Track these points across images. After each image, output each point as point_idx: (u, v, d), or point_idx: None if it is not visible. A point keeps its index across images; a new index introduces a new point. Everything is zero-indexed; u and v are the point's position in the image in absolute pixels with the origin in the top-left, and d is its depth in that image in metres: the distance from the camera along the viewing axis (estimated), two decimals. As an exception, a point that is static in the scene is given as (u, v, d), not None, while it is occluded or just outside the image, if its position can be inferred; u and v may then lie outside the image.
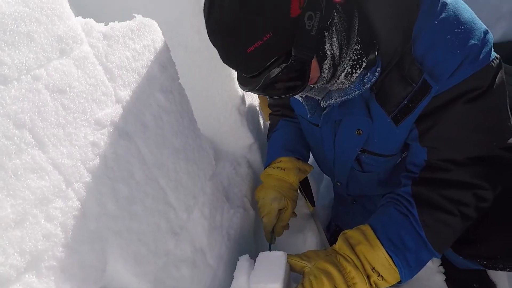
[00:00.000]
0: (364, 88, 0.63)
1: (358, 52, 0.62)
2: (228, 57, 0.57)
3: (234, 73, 0.86)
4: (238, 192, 0.82)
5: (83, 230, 0.36)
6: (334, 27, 0.58)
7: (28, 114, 0.30)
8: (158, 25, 0.53)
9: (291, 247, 1.08)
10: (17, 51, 0.28)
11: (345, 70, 0.62)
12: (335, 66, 0.61)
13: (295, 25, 0.53)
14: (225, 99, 0.85)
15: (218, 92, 0.83)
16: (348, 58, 0.61)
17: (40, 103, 0.31)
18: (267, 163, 0.90)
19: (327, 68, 0.60)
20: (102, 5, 0.69)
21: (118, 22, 0.42)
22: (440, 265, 1.10)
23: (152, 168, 0.48)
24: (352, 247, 0.65)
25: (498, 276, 1.03)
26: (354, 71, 0.62)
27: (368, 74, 0.62)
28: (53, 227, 0.33)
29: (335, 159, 0.86)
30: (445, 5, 0.58)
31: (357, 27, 0.61)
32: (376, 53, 0.61)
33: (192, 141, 0.60)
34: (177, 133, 0.55)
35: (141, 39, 0.46)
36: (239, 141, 0.94)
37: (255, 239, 0.90)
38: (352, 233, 0.67)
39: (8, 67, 0.28)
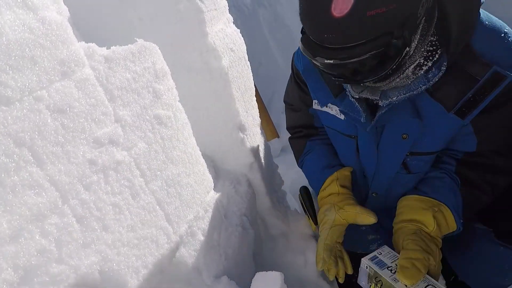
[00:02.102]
0: (430, 83, 0.61)
1: (433, 43, 0.60)
2: (341, 18, 0.51)
3: (236, 94, 0.88)
4: (237, 211, 0.82)
5: (78, 246, 0.37)
6: (425, 17, 0.57)
7: (28, 133, 0.31)
8: (162, 48, 0.56)
9: (290, 269, 1.06)
10: (20, 74, 0.30)
11: (416, 62, 0.59)
12: (405, 58, 0.58)
13: (414, 6, 0.52)
14: (226, 118, 0.87)
15: (219, 112, 0.85)
16: (422, 49, 0.60)
17: (41, 123, 0.32)
18: (317, 190, 0.90)
19: (395, 61, 0.57)
20: (106, 29, 0.73)
21: (121, 46, 0.45)
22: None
23: (150, 184, 0.49)
24: (440, 229, 0.72)
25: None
26: (425, 63, 0.60)
27: (434, 69, 0.60)
28: (47, 243, 0.34)
29: (378, 169, 0.84)
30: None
31: (436, 18, 0.60)
32: (445, 48, 0.60)
33: (190, 160, 0.61)
34: (176, 152, 0.56)
35: (142, 61, 0.48)
36: (240, 159, 0.94)
37: (254, 259, 0.89)
38: (439, 216, 0.73)
39: (12, 89, 0.30)
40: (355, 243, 1.06)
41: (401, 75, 0.61)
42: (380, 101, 0.67)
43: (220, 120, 0.86)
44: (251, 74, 1.01)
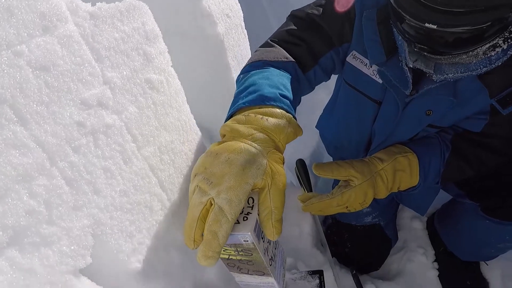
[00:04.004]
0: (491, 66, 0.56)
1: None
2: None
3: (232, 63, 0.85)
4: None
5: (69, 209, 0.37)
6: None
7: (9, 90, 0.30)
8: (154, 13, 0.53)
9: (285, 241, 1.08)
10: (-4, 26, 0.28)
11: (494, 42, 0.54)
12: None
13: None
14: (223, 90, 0.85)
15: (215, 82, 0.82)
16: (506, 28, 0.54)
17: (22, 80, 0.31)
18: (236, 107, 0.57)
19: (492, 38, 0.52)
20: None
21: (106, 3, 0.42)
22: (435, 261, 1.10)
23: (143, 150, 0.49)
24: (394, 171, 0.74)
25: (491, 274, 1.03)
26: (501, 45, 0.54)
27: (500, 52, 0.55)
28: (36, 204, 0.33)
29: (388, 139, 0.80)
30: None
31: None
32: None
33: (184, 127, 0.60)
34: (169, 118, 0.55)
35: (131, 21, 0.45)
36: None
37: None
38: (402, 160, 0.74)
39: (-12, 42, 0.28)
40: (349, 215, 1.07)
41: (471, 52, 0.56)
42: (434, 76, 0.61)
43: (216, 91, 0.85)
44: (248, 43, 0.98)
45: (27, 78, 0.31)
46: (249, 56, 0.97)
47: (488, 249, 0.93)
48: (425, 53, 0.58)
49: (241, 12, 0.92)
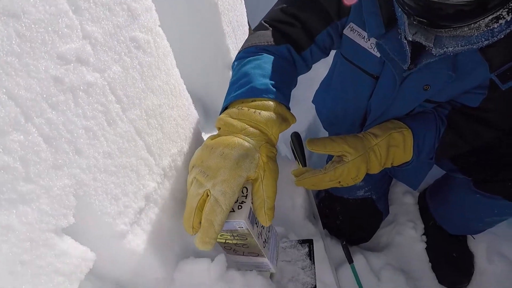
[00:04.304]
0: (493, 39, 0.53)
1: None
2: None
3: (226, 29, 0.81)
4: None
5: (47, 167, 0.36)
6: None
7: (-26, 36, 0.28)
8: None
9: (278, 214, 1.09)
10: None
11: (498, 13, 0.50)
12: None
13: None
14: (215, 56, 0.82)
15: (208, 49, 0.79)
16: None
17: (-12, 26, 0.28)
18: (231, 99, 0.59)
19: (495, 10, 0.49)
20: None
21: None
22: (423, 235, 1.12)
23: (128, 113, 0.47)
24: (388, 146, 0.73)
25: (477, 247, 1.06)
26: (504, 16, 0.50)
27: (503, 24, 0.52)
28: (11, 160, 0.32)
29: (384, 114, 0.79)
30: None
31: None
32: None
33: (173, 92, 0.58)
34: (157, 81, 0.53)
35: (112, -29, 0.42)
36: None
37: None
38: (396, 136, 0.74)
39: None
40: (341, 189, 1.08)
41: (473, 24, 0.52)
42: (433, 49, 0.58)
43: (209, 58, 0.82)
44: (244, 9, 0.94)
45: (-6, 24, 0.29)
46: (245, 23, 0.93)
47: (476, 223, 0.95)
48: (424, 26, 0.56)
49: (238, -26, 0.87)
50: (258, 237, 0.57)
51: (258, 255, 0.61)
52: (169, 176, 0.58)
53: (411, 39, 0.59)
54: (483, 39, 0.54)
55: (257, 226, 0.56)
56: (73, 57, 0.38)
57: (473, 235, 1.07)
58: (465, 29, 0.54)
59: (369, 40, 0.70)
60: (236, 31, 0.85)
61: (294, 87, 0.75)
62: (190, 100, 0.63)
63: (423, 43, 0.59)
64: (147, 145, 0.51)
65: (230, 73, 0.85)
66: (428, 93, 0.70)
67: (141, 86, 0.49)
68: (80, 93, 0.39)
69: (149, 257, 0.52)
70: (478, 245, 1.07)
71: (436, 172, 1.04)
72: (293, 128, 1.40)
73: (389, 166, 0.77)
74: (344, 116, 0.92)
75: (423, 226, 1.15)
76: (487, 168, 0.79)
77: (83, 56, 0.39)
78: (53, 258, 0.36)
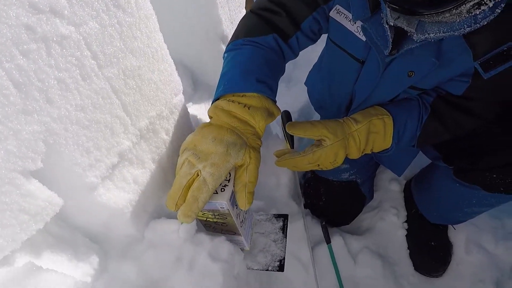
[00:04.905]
0: (476, 25, 0.52)
1: None
2: None
3: (219, -1, 0.81)
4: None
5: (16, 111, 0.37)
6: None
7: None
8: None
9: (262, 190, 1.12)
10: None
11: None
12: None
13: None
14: (206, 26, 0.82)
15: (199, 18, 0.79)
16: None
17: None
18: (221, 92, 0.63)
19: None
20: None
21: None
22: (405, 222, 1.14)
23: (104, 70, 0.48)
24: (368, 133, 0.73)
25: (456, 237, 1.07)
26: (487, 2, 0.49)
27: (486, 10, 0.51)
28: None
29: (368, 99, 0.80)
30: None
31: None
32: None
33: (154, 56, 0.59)
34: (137, 43, 0.54)
35: None
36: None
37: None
38: (377, 122, 0.74)
39: None
40: (326, 170, 1.09)
41: (454, 10, 0.51)
42: (414, 35, 0.58)
43: (200, 28, 0.82)
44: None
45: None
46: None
47: (456, 213, 0.96)
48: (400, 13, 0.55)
49: None
50: (237, 218, 0.62)
51: (235, 234, 0.66)
52: (146, 138, 0.60)
53: (392, 24, 0.59)
54: (465, 26, 0.53)
55: (236, 208, 0.61)
56: (46, 8, 0.39)
57: (453, 225, 1.08)
58: (446, 15, 0.53)
59: (355, 23, 0.70)
60: (230, 2, 0.85)
61: (282, 74, 0.77)
62: (173, 66, 0.65)
63: (405, 28, 0.58)
64: (124, 104, 0.53)
65: (222, 45, 0.86)
66: (412, 79, 0.69)
67: (119, 45, 0.50)
68: (53, 44, 0.40)
69: (120, 213, 0.55)
70: (458, 235, 1.08)
71: (422, 161, 1.05)
72: (287, 107, 1.41)
73: (369, 152, 0.78)
74: (332, 100, 0.92)
75: (405, 213, 1.17)
76: (467, 157, 0.80)
77: (57, 8, 0.40)
78: (18, 197, 0.38)
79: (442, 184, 0.93)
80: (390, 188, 1.22)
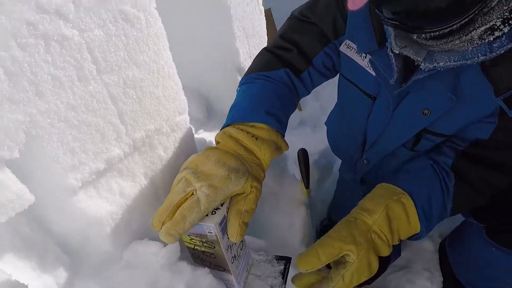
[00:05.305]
0: (492, 54, 0.48)
1: None
2: None
3: (238, 33, 0.85)
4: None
5: (2, 98, 0.38)
6: None
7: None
8: None
9: (270, 229, 1.04)
10: None
11: (491, 23, 0.46)
12: (476, 15, 0.46)
13: None
14: (225, 58, 0.85)
15: (217, 49, 0.83)
16: (505, 7, 0.45)
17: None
18: (231, 120, 0.65)
19: (471, 10, 0.45)
20: None
21: None
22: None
23: (104, 76, 0.50)
24: (389, 221, 0.61)
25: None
26: (501, 27, 0.46)
27: (503, 38, 0.47)
28: None
29: (380, 137, 0.74)
30: None
31: None
32: None
33: (161, 73, 0.60)
34: (142, 56, 0.56)
35: None
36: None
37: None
38: (394, 206, 0.62)
39: None
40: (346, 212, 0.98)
41: (464, 37, 0.49)
42: (422, 64, 0.55)
43: (218, 60, 0.85)
44: (264, 23, 0.97)
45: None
46: (263, 34, 0.96)
47: (498, 284, 0.80)
48: (398, 30, 0.53)
49: (260, -9, 0.93)
50: (227, 249, 0.57)
51: (224, 270, 0.60)
52: (141, 151, 0.59)
53: (398, 52, 0.57)
54: (479, 54, 0.49)
55: (228, 238, 0.56)
56: (52, 9, 0.42)
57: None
58: (456, 42, 0.50)
59: (365, 58, 0.68)
60: (250, 38, 0.88)
61: (294, 110, 0.76)
62: (180, 86, 0.66)
63: (412, 57, 0.56)
64: (120, 112, 0.53)
65: (238, 76, 0.87)
66: (428, 119, 0.64)
67: (123, 55, 0.52)
68: (53, 43, 0.43)
69: (99, 225, 0.52)
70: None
71: (457, 216, 0.92)
72: (310, 149, 1.37)
73: (398, 242, 0.64)
74: (346, 138, 0.88)
75: (441, 279, 1.00)
76: (499, 214, 0.68)
77: (63, 11, 0.43)
78: (-15, 183, 0.38)
79: (476, 247, 0.79)
80: (421, 246, 1.08)
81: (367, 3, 0.46)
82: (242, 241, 0.64)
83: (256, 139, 0.61)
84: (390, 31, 0.58)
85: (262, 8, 0.94)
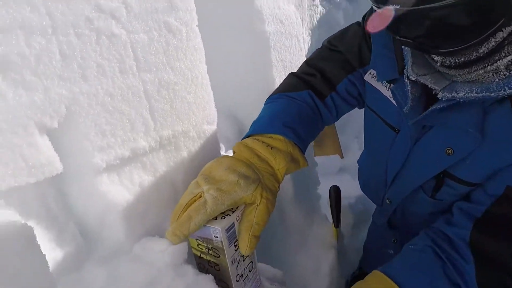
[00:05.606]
0: None
1: None
2: None
3: (275, 62, 0.91)
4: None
5: (54, 74, 0.45)
6: None
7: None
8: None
9: (294, 268, 0.96)
10: None
11: None
12: (503, 42, 0.44)
13: None
14: (261, 85, 0.90)
15: (254, 75, 0.88)
16: None
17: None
18: (249, 133, 0.67)
19: (498, 37, 0.43)
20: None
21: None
22: None
23: (142, 73, 0.56)
24: None
25: None
26: None
27: None
28: (27, 52, 0.42)
29: (400, 173, 0.71)
30: None
31: None
32: None
33: (194, 81, 0.66)
34: (179, 63, 0.62)
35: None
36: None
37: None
38: None
39: None
40: (377, 266, 0.89)
41: (489, 66, 0.46)
42: (440, 93, 0.52)
43: (253, 84, 0.90)
44: (303, 55, 1.03)
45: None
46: (298, 65, 1.02)
47: None
48: (415, 57, 0.52)
49: (301, 28, 1.00)
50: (232, 263, 0.55)
51: (227, 287, 0.57)
52: (167, 150, 0.62)
53: (414, 79, 0.55)
54: (506, 88, 0.45)
55: (235, 250, 0.55)
56: (108, 11, 0.50)
57: None
58: (480, 72, 0.47)
59: (389, 88, 0.67)
60: (286, 68, 0.94)
61: (318, 131, 0.76)
62: (212, 97, 0.70)
63: (429, 85, 0.54)
64: (151, 108, 0.58)
65: (270, 103, 0.91)
66: (450, 159, 0.58)
67: (162, 59, 0.59)
68: (103, 37, 0.50)
69: (116, 211, 0.54)
70: None
71: None
72: (347, 194, 1.30)
73: None
74: (372, 175, 0.84)
75: None
76: None
77: (116, 14, 0.51)
78: (24, 143, 0.43)
79: None
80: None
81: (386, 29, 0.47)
82: (252, 262, 0.60)
83: (271, 148, 0.61)
84: (408, 57, 0.58)
85: (303, 46, 1.01)
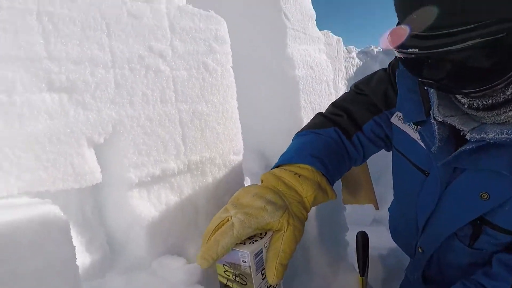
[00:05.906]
0: None
1: None
2: None
3: (304, 104, 0.96)
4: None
5: (106, 98, 0.54)
6: None
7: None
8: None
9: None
10: None
11: None
12: None
13: None
14: (290, 125, 0.95)
15: (283, 115, 0.94)
16: None
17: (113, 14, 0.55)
18: (277, 163, 0.69)
19: None
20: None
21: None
22: None
23: (179, 103, 0.64)
24: None
25: None
26: None
27: None
28: (91, 79, 0.52)
29: (431, 219, 0.68)
30: None
31: None
32: None
33: (225, 114, 0.73)
34: (212, 98, 0.70)
35: (207, 23, 0.67)
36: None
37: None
38: None
39: None
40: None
41: None
42: (468, 134, 0.52)
43: (282, 124, 0.95)
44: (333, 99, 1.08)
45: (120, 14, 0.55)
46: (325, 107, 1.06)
47: None
48: (441, 99, 0.52)
49: (331, 75, 1.06)
50: None
51: None
52: (194, 174, 0.67)
53: (441, 119, 0.55)
54: None
55: (262, 278, 0.55)
56: (157, 51, 0.60)
57: None
58: (509, 113, 0.48)
59: (417, 130, 0.67)
60: (315, 110, 0.98)
61: (346, 168, 0.77)
62: (240, 130, 0.76)
63: (457, 126, 0.53)
64: (184, 135, 0.65)
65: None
66: (486, 205, 0.56)
67: (197, 93, 0.67)
68: (150, 71, 0.60)
69: (140, 226, 0.59)
70: None
71: None
72: (379, 245, 1.23)
73: None
74: (401, 221, 0.81)
75: None
76: None
77: (164, 54, 0.61)
78: (74, 152, 0.50)
79: None
80: None
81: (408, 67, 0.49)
82: None
83: (299, 176, 0.62)
84: (434, 99, 0.59)
85: (333, 92, 1.06)
